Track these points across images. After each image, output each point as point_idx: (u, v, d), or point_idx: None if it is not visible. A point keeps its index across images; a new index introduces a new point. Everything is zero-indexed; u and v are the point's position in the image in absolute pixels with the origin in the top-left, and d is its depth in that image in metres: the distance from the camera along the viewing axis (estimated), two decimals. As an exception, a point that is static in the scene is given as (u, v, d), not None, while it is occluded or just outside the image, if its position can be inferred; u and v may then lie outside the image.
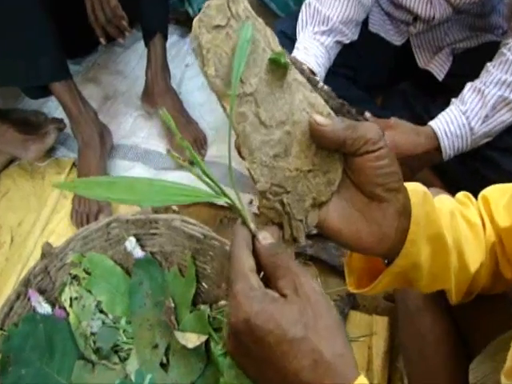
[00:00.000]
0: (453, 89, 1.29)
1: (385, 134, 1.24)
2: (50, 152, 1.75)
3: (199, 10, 2.07)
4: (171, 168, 1.71)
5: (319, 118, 0.55)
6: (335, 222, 0.59)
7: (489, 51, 1.27)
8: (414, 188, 0.61)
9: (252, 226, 0.54)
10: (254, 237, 0.54)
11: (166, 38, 1.81)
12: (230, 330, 0.50)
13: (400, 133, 1.25)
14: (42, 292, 1.08)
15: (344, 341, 0.47)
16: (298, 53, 1.32)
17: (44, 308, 1.06)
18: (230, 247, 0.53)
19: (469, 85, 1.21)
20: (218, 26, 0.52)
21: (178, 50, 2.17)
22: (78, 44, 1.97)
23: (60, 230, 1.59)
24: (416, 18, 1.48)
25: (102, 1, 1.54)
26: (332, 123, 0.55)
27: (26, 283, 1.06)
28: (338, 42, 1.39)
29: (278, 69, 0.54)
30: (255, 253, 0.53)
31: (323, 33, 1.35)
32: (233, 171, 0.55)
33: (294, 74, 0.56)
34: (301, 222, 0.57)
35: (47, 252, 1.08)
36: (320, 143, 0.56)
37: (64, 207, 1.64)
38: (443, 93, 1.42)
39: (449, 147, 1.20)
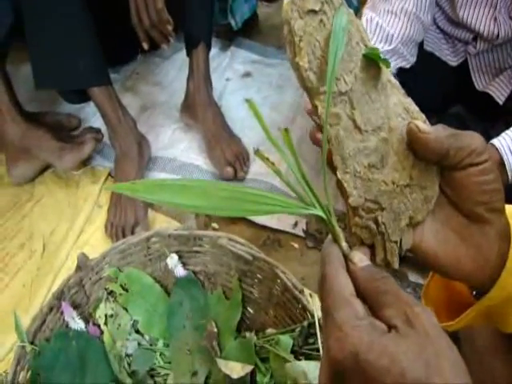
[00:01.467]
0: (513, 113, 1.23)
1: None
2: (85, 160, 1.70)
3: (242, 22, 2.07)
4: (213, 183, 1.64)
5: (422, 125, 0.48)
6: (431, 245, 0.51)
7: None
8: (510, 210, 0.54)
9: (344, 245, 0.47)
10: (346, 258, 0.47)
11: (209, 48, 1.76)
12: (330, 368, 0.42)
13: None
14: (75, 306, 1.03)
15: (470, 382, 0.40)
16: None
17: (77, 324, 1.01)
18: (324, 267, 0.46)
19: None
20: (311, 11, 0.45)
21: (218, 63, 2.14)
22: (117, 52, 1.94)
23: (94, 241, 1.53)
24: (476, 36, 1.41)
25: (148, 3, 1.49)
26: (435, 130, 0.48)
27: (60, 296, 1.01)
28: (399, 69, 1.33)
29: (372, 67, 0.48)
30: (350, 277, 0.46)
31: (386, 53, 1.29)
32: (327, 177, 0.47)
33: (387, 75, 0.50)
34: (395, 244, 0.50)
35: (83, 264, 1.03)
36: (420, 153, 0.49)
37: (98, 217, 1.59)
38: (504, 117, 1.35)
39: None
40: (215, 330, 1.00)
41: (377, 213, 0.48)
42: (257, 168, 1.68)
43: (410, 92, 1.41)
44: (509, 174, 1.13)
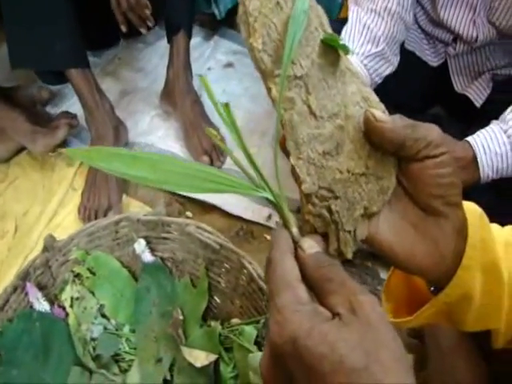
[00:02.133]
0: (491, 116, 1.22)
1: None
2: (62, 143, 1.67)
3: (226, 12, 2.05)
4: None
5: (378, 114, 0.47)
6: (387, 237, 0.51)
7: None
8: (472, 207, 0.53)
9: (295, 230, 0.47)
10: (296, 244, 0.46)
11: (189, 37, 1.76)
12: (270, 352, 0.42)
13: None
14: (41, 288, 1.03)
15: (412, 377, 0.38)
16: None
17: (42, 305, 1.01)
18: (270, 252, 0.45)
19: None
20: None
21: (200, 52, 2.12)
22: (98, 36, 1.94)
23: (67, 223, 1.53)
24: (456, 38, 1.42)
25: None
26: (392, 120, 0.47)
27: (25, 276, 1.00)
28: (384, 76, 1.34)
29: (330, 53, 0.47)
30: (298, 263, 0.45)
31: (373, 58, 1.29)
32: (279, 165, 0.47)
33: (346, 62, 0.49)
34: (349, 234, 0.49)
35: (49, 245, 1.03)
36: (376, 142, 0.48)
37: (72, 200, 1.58)
38: (480, 120, 1.35)
39: (487, 164, 1.12)
40: (181, 317, 1.00)
41: (330, 201, 0.47)
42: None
43: (389, 90, 1.41)
44: (481, 170, 1.14)
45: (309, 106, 0.46)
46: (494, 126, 1.13)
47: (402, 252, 0.51)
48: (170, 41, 1.75)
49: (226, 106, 0.46)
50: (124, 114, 1.78)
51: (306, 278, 0.44)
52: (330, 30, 0.48)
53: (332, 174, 0.47)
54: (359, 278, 1.29)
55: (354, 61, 1.27)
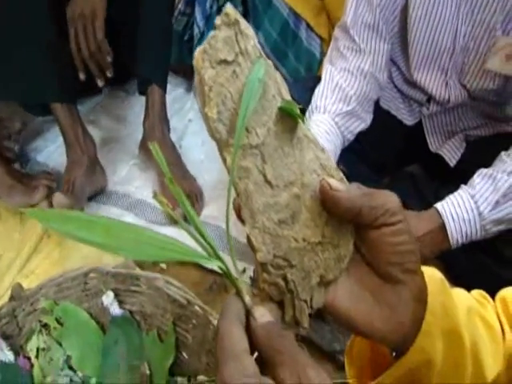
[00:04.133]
0: (464, 176, 1.24)
1: None
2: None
3: None
4: (163, 223, 1.64)
5: (334, 182, 0.47)
6: (344, 304, 0.50)
7: (503, 142, 1.23)
8: (431, 274, 0.53)
9: (247, 299, 0.45)
10: (248, 312, 0.45)
11: (164, 89, 1.75)
12: None
13: None
14: (6, 337, 1.01)
15: None
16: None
17: (6, 355, 0.99)
18: (219, 321, 0.44)
19: (480, 171, 1.18)
20: (224, 61, 0.45)
21: (182, 103, 2.12)
22: (82, 83, 1.93)
23: (40, 271, 1.52)
24: (430, 98, 1.45)
25: (87, 30, 1.50)
26: (348, 189, 0.47)
27: (-11, 325, 0.98)
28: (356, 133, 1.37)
29: (288, 120, 0.47)
30: (249, 332, 0.44)
31: (344, 116, 1.32)
32: (231, 234, 0.47)
33: (304, 129, 0.49)
34: (305, 303, 0.48)
35: (17, 294, 1.01)
36: (332, 211, 0.48)
37: (47, 247, 1.57)
38: (454, 179, 1.37)
39: (455, 230, 1.14)
40: (147, 372, 0.99)
41: (286, 270, 0.47)
42: (210, 211, 1.68)
43: (365, 149, 1.42)
44: (450, 237, 1.16)
45: (264, 175, 0.46)
46: (463, 192, 1.15)
47: (360, 319, 0.50)
48: (142, 93, 1.76)
49: (154, 146, 0.46)
50: (103, 161, 1.78)
51: (256, 348, 0.43)
52: (288, 97, 0.48)
53: (287, 243, 0.47)
54: (331, 335, 1.27)
55: (326, 118, 1.29)
